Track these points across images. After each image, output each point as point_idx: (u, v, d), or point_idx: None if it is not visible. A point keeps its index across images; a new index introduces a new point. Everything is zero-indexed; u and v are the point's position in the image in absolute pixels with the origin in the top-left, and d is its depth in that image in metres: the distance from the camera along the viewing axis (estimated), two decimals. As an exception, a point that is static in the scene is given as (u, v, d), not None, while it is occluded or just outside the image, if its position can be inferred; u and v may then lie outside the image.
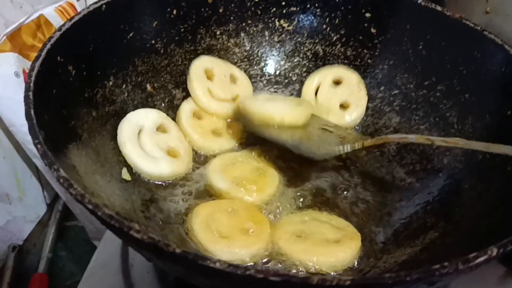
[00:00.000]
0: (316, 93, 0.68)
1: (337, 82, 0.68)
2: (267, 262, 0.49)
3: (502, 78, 0.56)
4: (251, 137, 0.63)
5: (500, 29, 0.59)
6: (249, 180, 0.56)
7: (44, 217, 0.88)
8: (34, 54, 0.71)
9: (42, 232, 0.87)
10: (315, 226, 0.51)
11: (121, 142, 0.55)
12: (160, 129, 0.60)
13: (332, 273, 0.47)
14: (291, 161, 0.60)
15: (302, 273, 0.46)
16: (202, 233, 0.48)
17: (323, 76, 0.69)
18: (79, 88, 0.52)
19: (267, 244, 0.50)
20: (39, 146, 0.37)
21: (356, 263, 0.49)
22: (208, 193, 0.56)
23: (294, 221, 0.51)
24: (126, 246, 0.42)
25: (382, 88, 0.67)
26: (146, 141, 0.56)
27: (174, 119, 0.63)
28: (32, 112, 0.40)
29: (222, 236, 0.48)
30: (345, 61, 0.70)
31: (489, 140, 0.54)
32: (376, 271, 0.47)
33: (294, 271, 0.46)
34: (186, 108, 0.63)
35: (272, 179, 0.57)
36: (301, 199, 0.56)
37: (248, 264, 0.48)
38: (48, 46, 0.48)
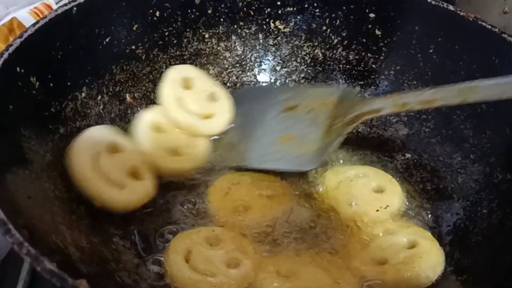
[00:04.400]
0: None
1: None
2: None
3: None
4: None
5: (521, 31, 0.53)
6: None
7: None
8: (5, 61, 0.65)
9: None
10: (306, 270, 0.45)
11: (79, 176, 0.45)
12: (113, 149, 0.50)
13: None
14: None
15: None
16: (180, 274, 0.42)
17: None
18: (44, 102, 0.47)
19: (252, 277, 0.44)
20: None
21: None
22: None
23: (286, 255, 0.45)
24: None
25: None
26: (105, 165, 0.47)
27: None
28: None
29: (205, 274, 0.42)
30: (347, 66, 0.63)
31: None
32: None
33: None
34: (146, 117, 0.54)
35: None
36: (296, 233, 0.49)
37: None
38: (6, 56, 0.42)
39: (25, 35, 0.45)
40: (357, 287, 0.43)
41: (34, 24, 0.47)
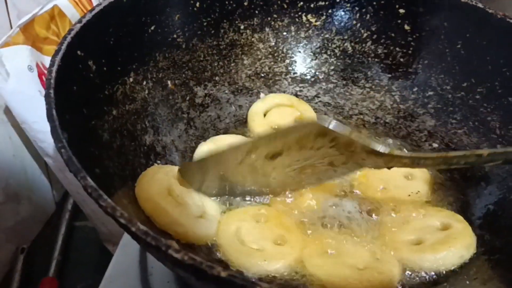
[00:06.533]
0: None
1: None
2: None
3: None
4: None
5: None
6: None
7: (53, 217, 0.85)
8: (47, 47, 0.68)
9: (51, 233, 0.84)
10: (348, 248, 0.47)
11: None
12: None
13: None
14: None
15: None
16: (233, 248, 0.44)
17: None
18: (100, 84, 0.49)
19: (297, 253, 0.46)
20: (63, 151, 0.33)
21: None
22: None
23: (328, 235, 0.48)
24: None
25: (416, 89, 0.64)
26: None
27: (192, 119, 0.60)
28: (54, 112, 0.36)
29: (254, 248, 0.45)
30: (376, 59, 0.66)
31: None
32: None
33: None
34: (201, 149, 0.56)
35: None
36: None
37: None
38: (68, 39, 0.45)
39: (84, 20, 0.47)
40: (397, 264, 0.46)
41: (91, 11, 0.49)
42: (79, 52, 0.46)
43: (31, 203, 0.78)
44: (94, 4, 0.57)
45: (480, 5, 0.58)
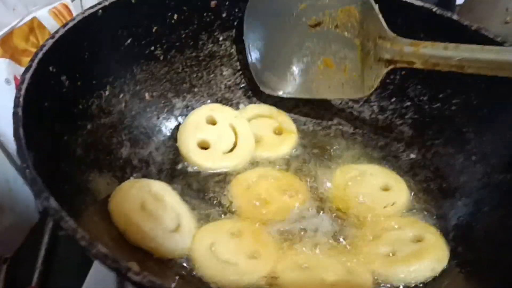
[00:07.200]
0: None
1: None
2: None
3: (524, 93, 0.52)
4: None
5: (521, 40, 0.56)
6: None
7: (36, 227, 0.85)
8: (26, 59, 0.67)
9: (35, 242, 0.84)
10: (322, 261, 0.47)
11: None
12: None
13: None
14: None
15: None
16: (207, 262, 0.44)
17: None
18: (73, 99, 0.49)
19: (272, 267, 0.47)
20: (27, 171, 0.33)
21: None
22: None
23: (302, 249, 0.48)
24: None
25: (394, 99, 0.64)
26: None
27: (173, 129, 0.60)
28: (21, 131, 0.36)
29: (228, 262, 0.45)
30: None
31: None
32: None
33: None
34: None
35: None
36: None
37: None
38: (40, 55, 0.44)
39: (57, 35, 0.47)
40: (369, 277, 0.46)
41: (64, 25, 0.49)
42: (51, 68, 0.45)
43: (14, 213, 0.77)
44: (74, 15, 0.57)
45: (455, 17, 0.58)
